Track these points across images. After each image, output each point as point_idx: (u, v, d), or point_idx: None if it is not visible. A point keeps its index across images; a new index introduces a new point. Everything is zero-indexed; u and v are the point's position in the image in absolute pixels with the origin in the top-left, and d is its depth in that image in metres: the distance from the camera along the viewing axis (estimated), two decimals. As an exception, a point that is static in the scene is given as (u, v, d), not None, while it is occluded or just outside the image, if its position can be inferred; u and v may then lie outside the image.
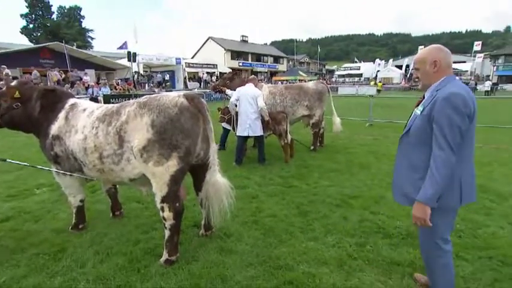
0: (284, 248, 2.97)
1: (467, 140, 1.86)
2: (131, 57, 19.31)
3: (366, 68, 50.97)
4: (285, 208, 3.89)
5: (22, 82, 3.41)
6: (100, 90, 17.02)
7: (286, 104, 6.71)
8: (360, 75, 50.33)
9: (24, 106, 3.12)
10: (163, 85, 26.91)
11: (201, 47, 49.17)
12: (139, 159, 2.58)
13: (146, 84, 25.66)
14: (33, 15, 66.27)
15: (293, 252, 2.88)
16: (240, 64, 47.49)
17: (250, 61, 49.59)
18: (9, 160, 3.07)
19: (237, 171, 5.45)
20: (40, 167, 3.32)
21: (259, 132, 5.63)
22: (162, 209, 2.65)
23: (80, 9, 71.56)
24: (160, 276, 2.54)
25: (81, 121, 2.89)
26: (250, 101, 5.46)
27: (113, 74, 26.29)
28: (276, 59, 55.21)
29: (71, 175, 3.08)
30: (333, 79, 53.71)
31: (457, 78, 2.18)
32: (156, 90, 23.03)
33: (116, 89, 20.63)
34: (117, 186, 3.66)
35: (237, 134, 5.73)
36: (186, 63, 32.23)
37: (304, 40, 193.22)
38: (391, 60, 53.75)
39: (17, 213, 3.88)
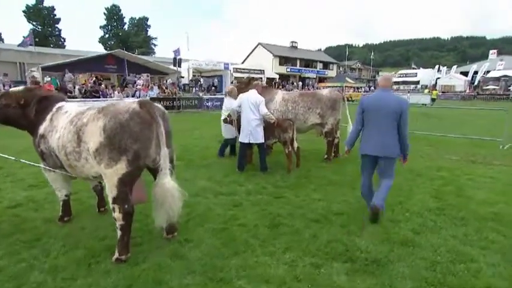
0: (235, 259, 2.90)
1: (368, 121, 3.59)
2: (176, 62, 20.48)
3: (424, 75, 46.81)
4: (260, 218, 3.78)
5: (27, 89, 3.80)
6: (147, 93, 18.43)
7: (298, 112, 6.53)
8: (417, 82, 46.47)
9: (23, 109, 3.50)
10: (210, 89, 28.12)
11: (250, 53, 50.28)
12: (94, 160, 2.76)
13: (194, 88, 27.07)
14: (109, 26, 74.62)
15: (241, 266, 2.79)
16: (288, 70, 47.43)
17: (298, 67, 49.24)
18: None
19: (234, 177, 5.46)
20: (29, 163, 3.68)
21: (260, 139, 5.57)
22: (113, 209, 2.79)
23: (147, 19, 78.66)
24: (103, 274, 2.66)
25: (61, 122, 3.17)
26: (251, 108, 5.44)
27: (165, 78, 28.25)
28: (326, 65, 53.95)
29: (54, 171, 3.40)
30: (387, 86, 50.32)
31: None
32: (201, 94, 24.18)
33: (165, 92, 22.18)
34: (103, 183, 3.92)
35: (239, 141, 5.75)
36: (233, 68, 33.19)
37: (361, 46, 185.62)
38: (454, 67, 48.75)
39: (26, 201, 4.40)
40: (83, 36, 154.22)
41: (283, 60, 47.45)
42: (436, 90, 31.57)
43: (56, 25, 64.82)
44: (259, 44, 49.27)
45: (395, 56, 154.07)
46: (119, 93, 16.93)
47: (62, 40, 65.83)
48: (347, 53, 53.66)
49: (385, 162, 3.60)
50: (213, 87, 28.88)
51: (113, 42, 70.30)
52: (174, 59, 20.90)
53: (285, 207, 4.13)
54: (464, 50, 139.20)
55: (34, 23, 61.68)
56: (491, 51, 52.54)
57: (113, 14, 74.62)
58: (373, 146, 3.50)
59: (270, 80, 36.72)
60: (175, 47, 22.91)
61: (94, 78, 18.67)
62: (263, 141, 5.62)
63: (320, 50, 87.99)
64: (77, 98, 16.75)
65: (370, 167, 3.70)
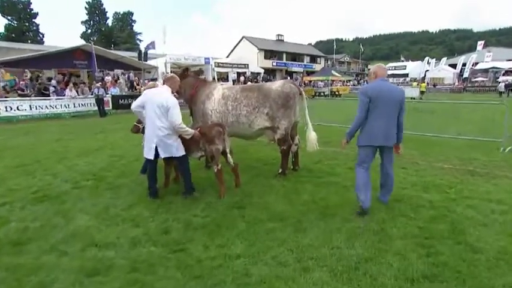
0: None
1: (374, 111, 3.40)
2: (142, 56, 18.61)
3: (413, 68, 45.55)
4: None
5: None
6: (108, 90, 16.48)
7: (241, 113, 4.86)
8: (406, 75, 45.19)
9: None
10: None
11: (234, 47, 48.31)
12: None
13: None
14: (91, 22, 71.59)
15: None
16: (274, 64, 45.66)
17: (285, 61, 47.50)
18: None
19: (139, 209, 3.80)
20: None
21: (176, 151, 3.91)
22: None
23: (132, 14, 75.61)
24: None
25: None
26: (157, 112, 3.73)
27: (141, 74, 26.17)
28: (314, 59, 52.32)
29: None
30: (375, 79, 48.98)
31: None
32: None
33: (136, 89, 20.47)
34: None
35: (144, 156, 4.06)
36: (215, 63, 31.31)
37: (351, 39, 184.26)
38: (444, 59, 47.59)
39: None
40: (64, 32, 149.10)
41: (269, 54, 45.65)
42: (424, 83, 30.21)
43: (33, 20, 61.78)
44: (243, 37, 47.29)
45: (385, 50, 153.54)
46: (70, 90, 14.92)
47: (41, 36, 62.82)
48: (335, 46, 51.87)
49: (388, 151, 3.65)
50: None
51: (95, 38, 67.41)
52: (139, 52, 18.96)
53: (175, 275, 2.46)
54: (452, 43, 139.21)
55: (9, 18, 58.67)
56: (478, 43, 51.63)
57: (95, 9, 71.67)
58: (380, 136, 3.44)
59: (256, 75, 35.07)
60: (151, 40, 20.99)
61: (29, 75, 16.40)
62: (181, 153, 3.95)
63: (310, 44, 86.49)
64: (28, 96, 14.84)
65: (371, 158, 3.61)
